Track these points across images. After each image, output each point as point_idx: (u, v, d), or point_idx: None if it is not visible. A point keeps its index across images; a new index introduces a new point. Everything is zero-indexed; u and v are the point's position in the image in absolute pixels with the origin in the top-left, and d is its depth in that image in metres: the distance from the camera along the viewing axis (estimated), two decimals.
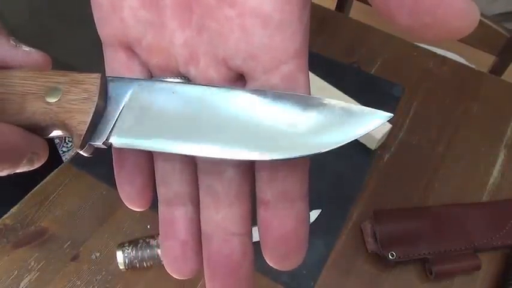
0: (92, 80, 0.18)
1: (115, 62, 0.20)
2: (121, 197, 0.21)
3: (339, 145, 0.16)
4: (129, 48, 0.20)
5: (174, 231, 0.20)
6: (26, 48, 0.20)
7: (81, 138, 0.18)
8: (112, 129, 0.18)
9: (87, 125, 0.18)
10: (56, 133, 0.19)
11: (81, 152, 0.18)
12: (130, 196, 0.21)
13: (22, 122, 0.18)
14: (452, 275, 0.50)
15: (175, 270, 0.20)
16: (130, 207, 0.21)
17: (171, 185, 0.20)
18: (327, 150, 0.16)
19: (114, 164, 0.21)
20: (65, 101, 0.18)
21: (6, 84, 0.18)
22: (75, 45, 0.47)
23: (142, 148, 0.18)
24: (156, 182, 0.21)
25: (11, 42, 0.20)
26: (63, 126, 0.18)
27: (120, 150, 0.20)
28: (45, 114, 0.18)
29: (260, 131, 0.17)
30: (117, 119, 0.18)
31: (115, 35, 0.19)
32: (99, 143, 0.18)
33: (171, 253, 0.20)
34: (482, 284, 0.50)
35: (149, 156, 0.21)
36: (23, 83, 0.18)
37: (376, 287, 0.50)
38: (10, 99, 0.18)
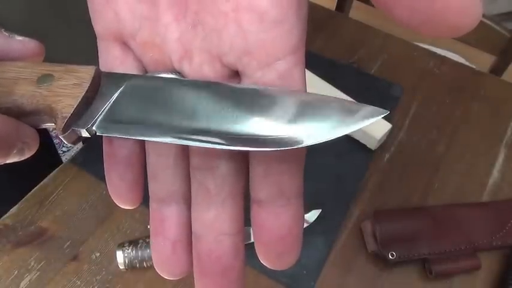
0: (87, 70, 0.18)
1: (109, 55, 0.20)
2: (110, 192, 0.20)
3: (331, 138, 0.16)
4: (123, 43, 0.20)
5: (165, 230, 0.20)
6: (19, 38, 0.20)
7: (65, 121, 0.17)
8: (98, 117, 0.18)
9: (74, 108, 0.17)
10: (43, 122, 0.18)
11: (62, 138, 0.18)
12: (120, 191, 0.20)
13: (8, 104, 0.18)
14: (452, 274, 0.50)
15: (165, 270, 0.20)
16: (119, 204, 0.20)
17: (163, 181, 0.20)
18: (319, 142, 0.16)
19: (104, 156, 0.20)
20: (56, 86, 0.18)
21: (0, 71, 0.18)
22: (73, 44, 0.47)
23: (128, 137, 0.17)
24: (148, 177, 0.20)
25: (4, 33, 0.19)
26: (49, 110, 0.18)
27: (111, 142, 0.20)
28: (33, 97, 0.18)
29: (253, 123, 0.16)
30: (105, 109, 0.18)
31: (109, 28, 0.19)
32: (82, 129, 0.17)
33: (161, 252, 0.20)
34: (482, 283, 0.50)
35: (141, 150, 0.20)
36: (16, 69, 0.18)
37: (376, 287, 0.50)
38: (1, 84, 0.18)
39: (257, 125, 0.16)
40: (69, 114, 0.17)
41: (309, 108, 0.16)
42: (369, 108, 0.16)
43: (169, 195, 0.20)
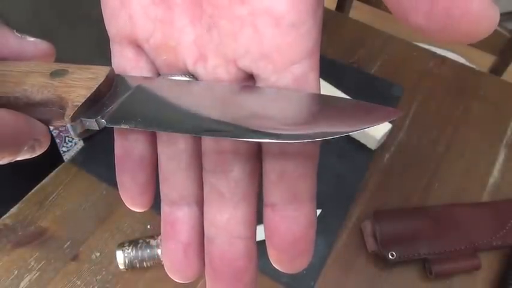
0: (102, 68, 0.18)
1: (122, 58, 0.20)
2: (121, 195, 0.20)
3: (344, 134, 0.16)
4: (137, 45, 0.20)
5: (177, 233, 0.19)
6: (31, 39, 0.20)
7: (75, 109, 0.17)
8: (108, 112, 0.18)
9: (86, 98, 0.17)
10: (52, 114, 0.18)
11: (70, 128, 0.17)
12: (132, 193, 0.20)
13: (17, 93, 0.18)
14: (452, 274, 0.50)
15: (176, 274, 0.20)
16: (131, 207, 0.20)
17: (175, 183, 0.20)
18: (332, 137, 0.16)
19: (115, 158, 0.20)
20: (69, 79, 0.18)
21: (13, 64, 0.18)
22: (77, 45, 0.48)
23: (138, 128, 0.17)
24: (160, 180, 0.20)
25: (16, 34, 0.20)
26: (59, 101, 0.18)
27: (123, 144, 0.20)
28: (44, 88, 0.18)
29: (266, 118, 0.16)
30: (116, 105, 0.18)
31: (122, 31, 0.19)
32: (91, 120, 0.17)
33: (173, 255, 0.19)
34: (482, 283, 0.50)
35: (153, 153, 0.20)
36: (31, 65, 0.19)
37: (376, 286, 0.50)
38: (12, 75, 0.18)
39: (272, 120, 0.16)
40: (80, 103, 0.17)
41: (323, 105, 0.16)
42: (383, 108, 0.16)
43: (182, 198, 0.20)
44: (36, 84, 0.18)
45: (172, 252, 0.19)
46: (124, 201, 0.20)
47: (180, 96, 0.18)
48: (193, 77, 0.19)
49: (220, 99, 0.17)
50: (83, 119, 0.17)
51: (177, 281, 0.20)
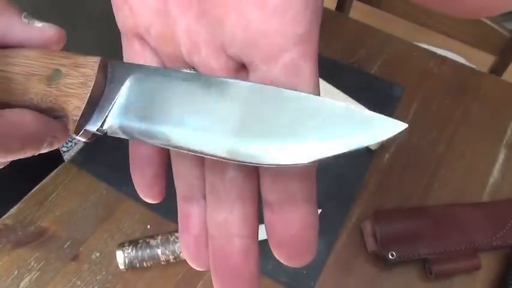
0: (91, 64, 0.18)
1: (131, 52, 0.20)
2: (135, 186, 0.21)
3: (347, 150, 0.15)
4: (141, 38, 0.20)
5: (189, 226, 0.20)
6: (39, 24, 0.19)
7: (75, 124, 0.18)
8: (107, 115, 0.18)
9: (81, 110, 0.17)
10: (61, 118, 0.19)
11: (77, 138, 0.18)
12: (142, 186, 0.21)
13: (26, 103, 0.18)
14: (452, 275, 0.50)
15: (191, 262, 0.21)
16: (143, 198, 0.21)
17: (185, 179, 0.20)
18: (333, 155, 0.15)
19: (129, 152, 0.21)
20: (64, 84, 0.18)
21: (13, 64, 0.18)
22: (78, 44, 0.48)
23: (136, 138, 0.17)
24: (173, 175, 0.21)
25: (23, 19, 0.19)
26: (61, 110, 0.18)
27: (134, 142, 0.21)
28: (46, 97, 0.18)
29: (265, 132, 0.16)
30: (113, 105, 0.18)
31: (127, 24, 0.19)
32: (93, 129, 0.18)
33: (187, 246, 0.20)
34: (482, 283, 0.50)
35: (163, 149, 0.21)
36: (28, 63, 0.18)
37: (376, 286, 0.50)
38: (15, 79, 0.18)
39: (265, 136, 0.16)
40: (78, 117, 0.18)
41: (315, 120, 0.16)
42: (385, 122, 0.15)
43: (191, 193, 0.20)
44: (38, 93, 0.18)
45: (186, 243, 0.20)
46: (138, 193, 0.21)
47: (169, 97, 0.17)
48: (194, 69, 0.19)
49: (210, 103, 0.17)
50: (86, 128, 0.18)
51: (195, 268, 0.21)
